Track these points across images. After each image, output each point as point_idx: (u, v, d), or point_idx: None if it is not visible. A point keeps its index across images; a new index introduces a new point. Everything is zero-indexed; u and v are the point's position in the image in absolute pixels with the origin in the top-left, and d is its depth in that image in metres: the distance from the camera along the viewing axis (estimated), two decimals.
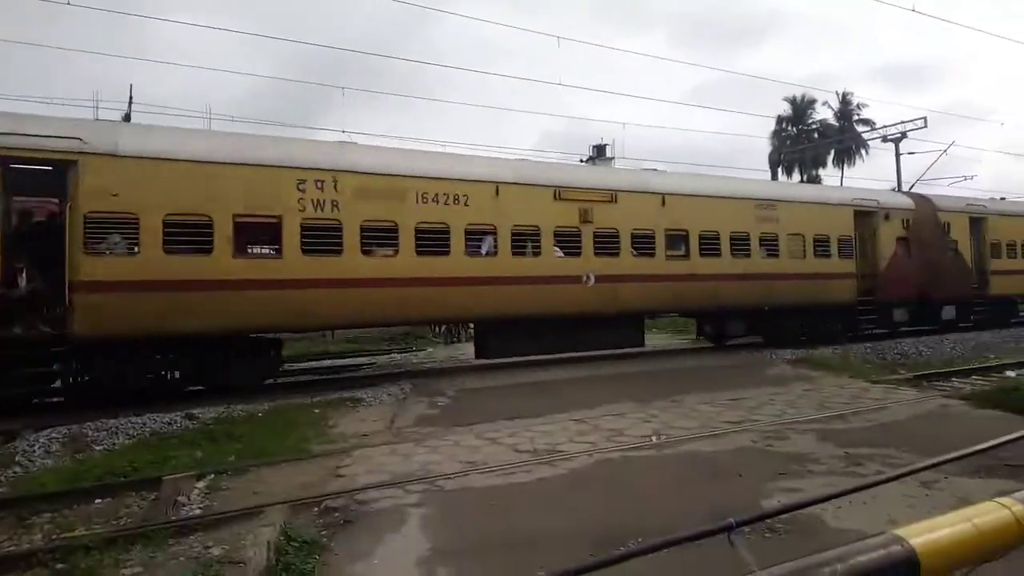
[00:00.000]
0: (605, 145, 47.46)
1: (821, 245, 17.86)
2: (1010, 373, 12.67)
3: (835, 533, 4.69)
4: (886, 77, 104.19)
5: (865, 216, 18.92)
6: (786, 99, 52.31)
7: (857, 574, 1.12)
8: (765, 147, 52.93)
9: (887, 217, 19.21)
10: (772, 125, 53.01)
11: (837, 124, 51.95)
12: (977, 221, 21.23)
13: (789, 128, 53.05)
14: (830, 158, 51.00)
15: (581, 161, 44.08)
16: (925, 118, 31.76)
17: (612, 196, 14.99)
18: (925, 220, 19.91)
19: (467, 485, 6.40)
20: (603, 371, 14.09)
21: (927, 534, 1.22)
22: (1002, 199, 25.56)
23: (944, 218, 20.36)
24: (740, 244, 16.62)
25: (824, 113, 52.91)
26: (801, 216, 17.68)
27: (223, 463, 7.47)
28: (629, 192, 15.32)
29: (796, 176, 49.64)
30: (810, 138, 51.41)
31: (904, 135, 32.96)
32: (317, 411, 10.25)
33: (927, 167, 29.85)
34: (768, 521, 5.19)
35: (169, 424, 9.24)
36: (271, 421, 9.56)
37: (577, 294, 14.36)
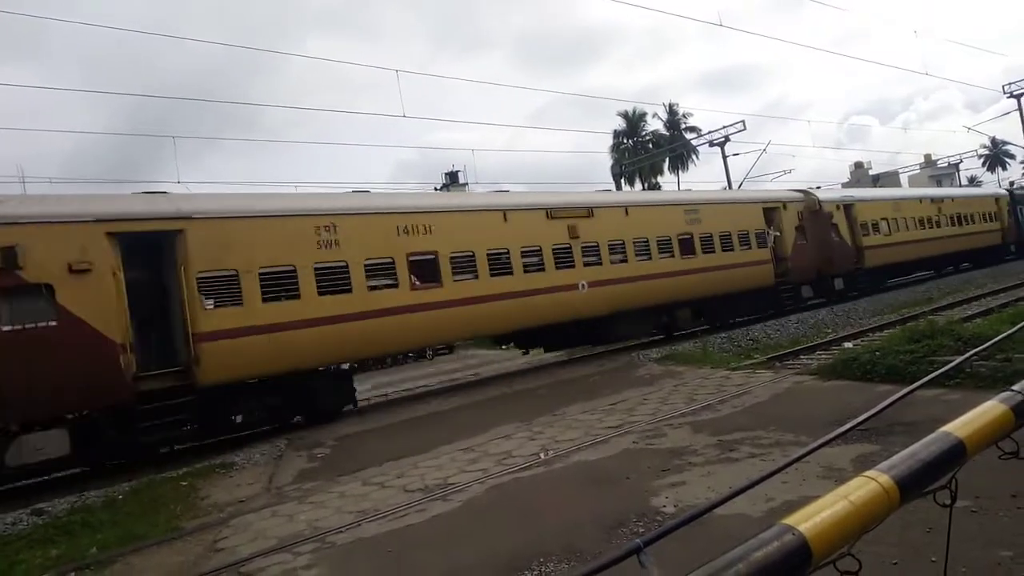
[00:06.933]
0: (457, 171, 48.15)
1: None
2: (847, 344, 13.85)
3: (722, 519, 4.91)
4: (706, 86, 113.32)
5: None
6: (619, 114, 55.45)
7: (758, 570, 1.18)
8: (607, 161, 55.64)
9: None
10: (611, 140, 55.94)
11: (668, 133, 55.62)
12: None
13: (626, 141, 56.07)
14: (665, 165, 54.45)
15: (435, 188, 44.25)
16: (743, 121, 35.01)
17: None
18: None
19: (360, 536, 6.15)
20: (485, 394, 14.11)
21: (813, 519, 1.30)
22: (818, 188, 28.52)
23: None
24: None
25: (655, 124, 56.56)
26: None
27: (84, 557, 6.72)
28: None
29: (637, 185, 52.40)
30: (645, 149, 54.57)
31: (727, 139, 36.03)
32: (185, 483, 9.47)
33: (751, 165, 32.79)
34: (660, 518, 5.40)
35: (13, 524, 8.19)
36: (134, 503, 8.70)
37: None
